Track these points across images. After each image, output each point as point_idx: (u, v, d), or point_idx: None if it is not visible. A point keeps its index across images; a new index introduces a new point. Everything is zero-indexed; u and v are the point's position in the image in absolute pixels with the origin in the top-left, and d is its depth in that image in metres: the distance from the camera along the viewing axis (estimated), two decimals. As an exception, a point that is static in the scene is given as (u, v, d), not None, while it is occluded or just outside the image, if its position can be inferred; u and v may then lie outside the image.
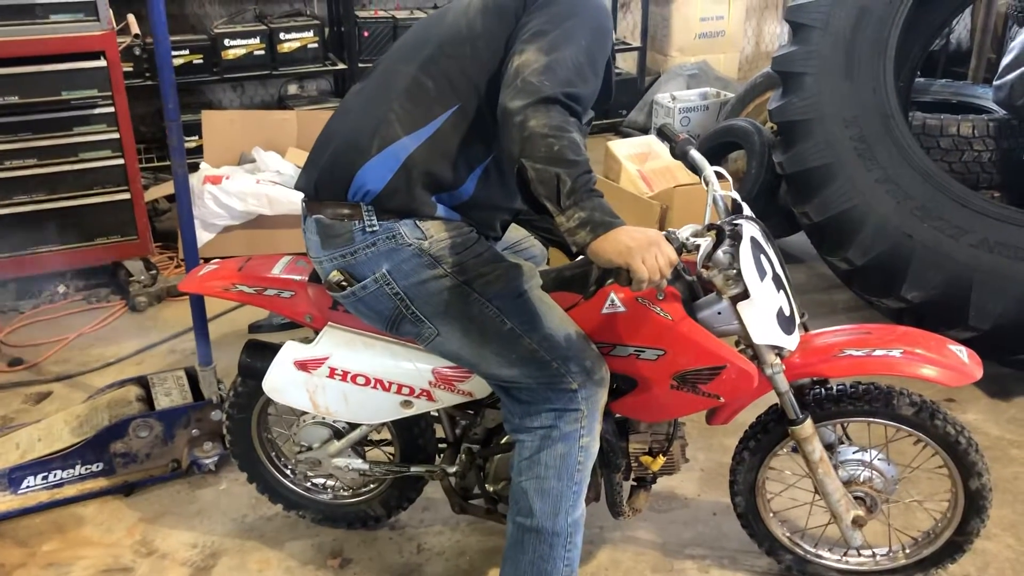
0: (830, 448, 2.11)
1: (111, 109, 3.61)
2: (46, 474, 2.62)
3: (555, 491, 1.88)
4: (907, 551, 2.24)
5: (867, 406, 2.07)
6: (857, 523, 2.12)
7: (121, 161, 3.69)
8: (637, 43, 6.20)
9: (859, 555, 2.28)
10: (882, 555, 2.27)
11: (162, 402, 2.77)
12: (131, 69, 4.56)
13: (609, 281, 1.91)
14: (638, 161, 3.97)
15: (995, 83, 3.84)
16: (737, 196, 2.04)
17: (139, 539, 2.50)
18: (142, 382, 2.90)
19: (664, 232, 1.67)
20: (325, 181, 1.90)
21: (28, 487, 2.60)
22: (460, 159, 1.84)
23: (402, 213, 1.85)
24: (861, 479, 2.12)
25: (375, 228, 1.85)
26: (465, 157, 1.85)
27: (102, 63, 3.52)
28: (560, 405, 1.87)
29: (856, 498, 2.12)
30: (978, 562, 2.38)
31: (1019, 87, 3.65)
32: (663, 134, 2.21)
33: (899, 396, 2.05)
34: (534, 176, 1.59)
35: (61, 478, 2.63)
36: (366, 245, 1.87)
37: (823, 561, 2.29)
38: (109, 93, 3.58)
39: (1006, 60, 3.79)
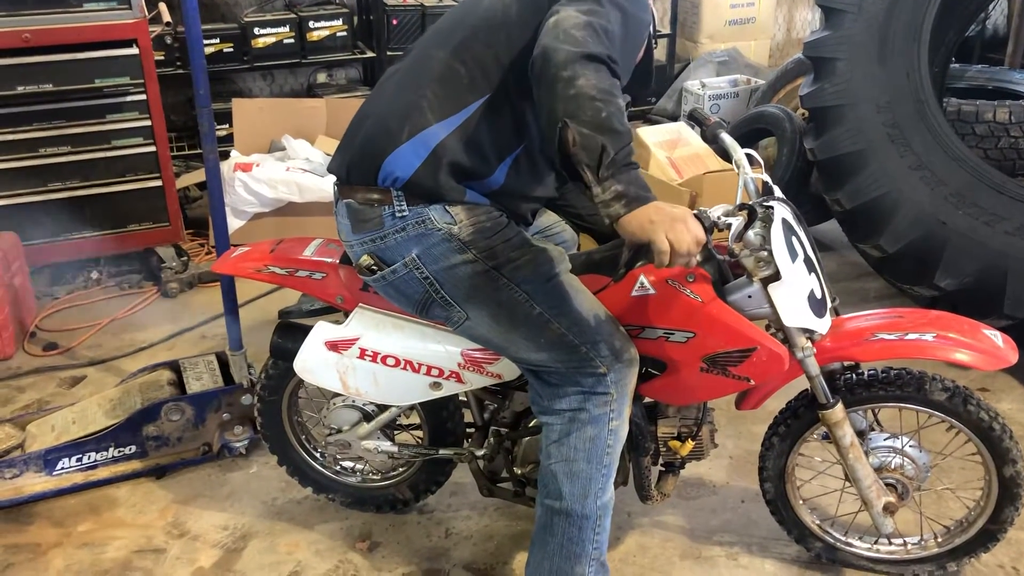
0: (861, 434, 2.09)
1: (143, 97, 3.65)
2: (80, 456, 2.65)
3: (584, 474, 1.88)
4: (939, 539, 2.22)
5: (898, 391, 2.04)
6: (888, 510, 2.10)
7: (153, 148, 3.73)
8: (667, 30, 6.15)
9: (890, 543, 2.26)
10: (913, 543, 2.25)
11: (193, 386, 2.80)
12: (162, 58, 4.60)
13: (639, 263, 1.90)
14: (667, 148, 3.94)
15: (1033, 68, 3.78)
16: (768, 179, 2.02)
17: (171, 521, 2.53)
18: (174, 366, 2.94)
19: (695, 211, 1.66)
20: (356, 165, 1.90)
21: (63, 469, 2.64)
22: (490, 149, 1.83)
23: (431, 198, 1.84)
24: (892, 466, 2.10)
25: (405, 213, 1.85)
26: (496, 147, 1.84)
27: (134, 51, 3.55)
28: (588, 388, 1.87)
29: (887, 485, 2.10)
30: (1012, 552, 2.34)
31: (1057, 72, 3.59)
32: (694, 117, 2.20)
33: (931, 381, 2.03)
34: (578, 140, 1.55)
35: (95, 460, 2.67)
36: (396, 230, 1.87)
37: (853, 549, 2.27)
38: (141, 81, 3.61)
39: (1044, 44, 3.73)
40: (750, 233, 1.80)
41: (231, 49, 4.89)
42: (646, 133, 4.09)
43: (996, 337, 1.98)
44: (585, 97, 1.54)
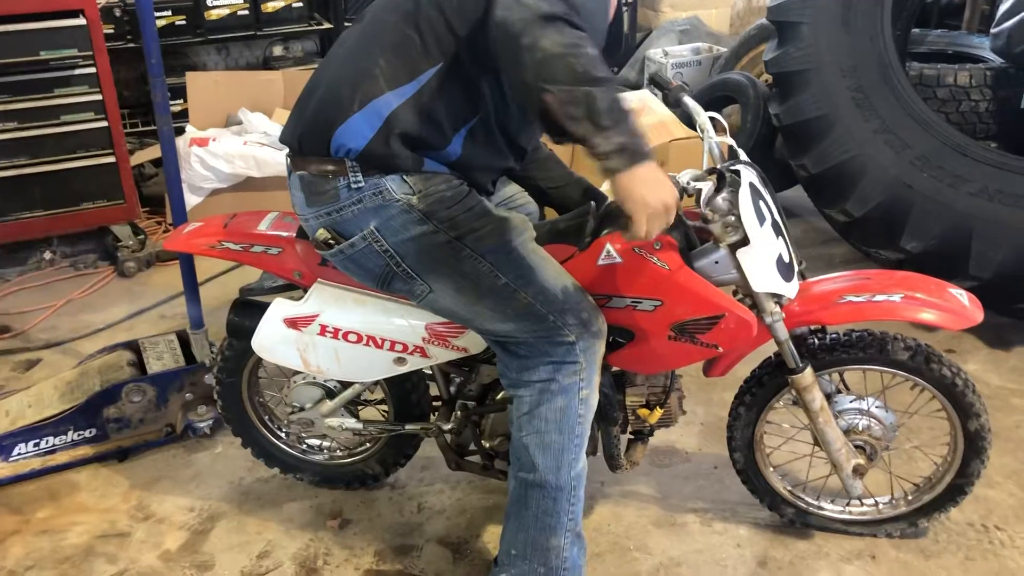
0: (828, 398, 2.09)
1: (92, 70, 3.53)
2: (38, 441, 2.58)
3: (557, 445, 1.85)
4: (909, 498, 2.23)
5: (862, 353, 2.05)
6: (858, 472, 2.11)
7: (105, 124, 3.63)
8: (628, -2, 6.11)
9: (861, 504, 2.27)
10: (884, 503, 2.26)
11: (154, 366, 2.74)
12: (112, 31, 4.46)
13: (605, 231, 1.87)
14: (631, 116, 3.90)
15: (992, 31, 3.78)
16: (733, 143, 1.99)
17: (135, 504, 2.48)
18: (133, 347, 2.87)
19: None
20: (308, 135, 1.84)
21: (20, 454, 2.57)
22: (445, 119, 1.77)
23: (388, 169, 1.79)
24: (860, 428, 2.10)
25: (360, 184, 1.80)
26: (451, 117, 1.78)
27: (81, 21, 3.44)
28: (558, 358, 1.83)
29: (856, 447, 2.10)
30: (981, 509, 2.37)
31: (1017, 34, 3.60)
32: (655, 82, 2.16)
33: (893, 341, 2.03)
34: (563, 98, 1.48)
35: (53, 444, 2.60)
36: (352, 202, 1.81)
37: (825, 512, 2.28)
38: (90, 53, 3.50)
39: (1003, 7, 3.73)
40: (718, 199, 1.77)
41: (183, 22, 4.75)
42: (610, 101, 4.03)
43: (962, 296, 1.98)
44: (553, 57, 1.48)
